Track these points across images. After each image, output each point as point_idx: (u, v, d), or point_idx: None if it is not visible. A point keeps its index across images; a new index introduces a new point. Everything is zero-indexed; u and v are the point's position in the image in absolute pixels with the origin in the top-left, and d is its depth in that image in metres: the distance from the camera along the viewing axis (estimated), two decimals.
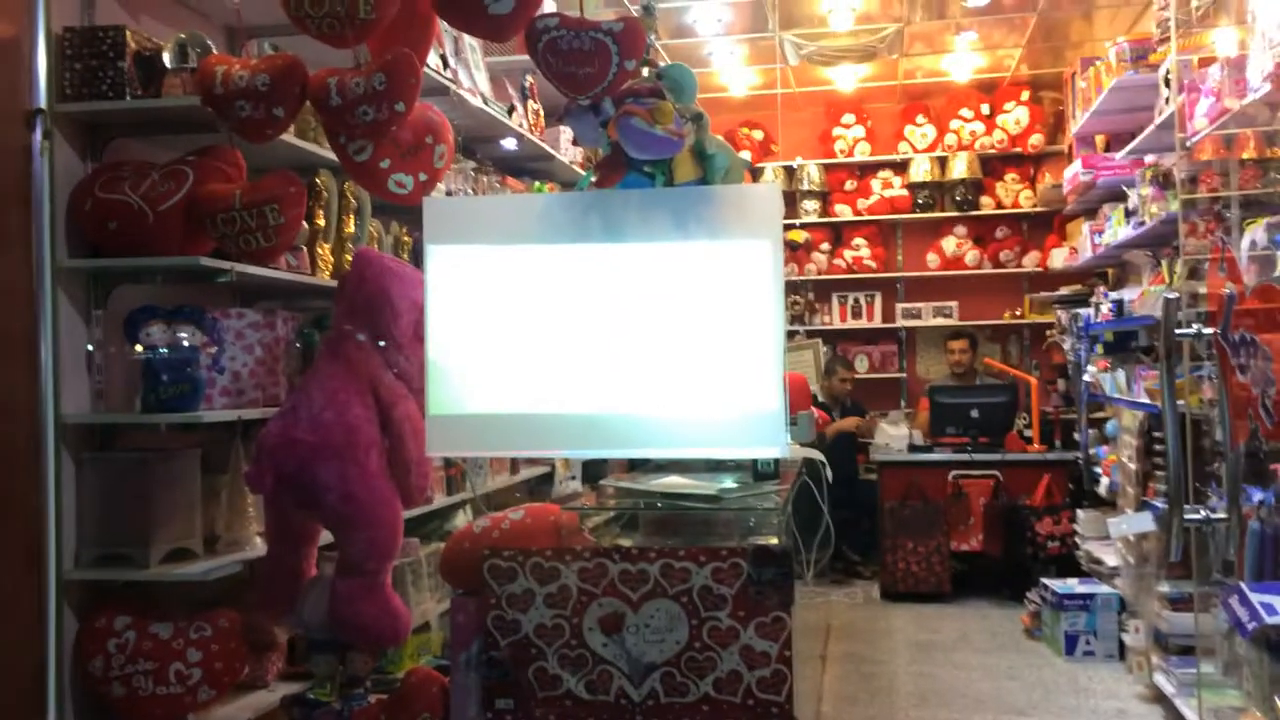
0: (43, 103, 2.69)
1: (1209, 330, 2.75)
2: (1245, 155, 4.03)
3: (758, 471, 3.03)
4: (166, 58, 2.85)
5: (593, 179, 2.77)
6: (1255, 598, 2.36)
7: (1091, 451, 6.06)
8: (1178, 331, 2.92)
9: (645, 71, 2.68)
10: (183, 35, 2.89)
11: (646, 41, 2.60)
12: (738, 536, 2.59)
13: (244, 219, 2.72)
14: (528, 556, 2.48)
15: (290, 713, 2.78)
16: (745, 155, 8.58)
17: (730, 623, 2.42)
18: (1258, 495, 2.72)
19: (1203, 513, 2.93)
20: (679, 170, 2.64)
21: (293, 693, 2.85)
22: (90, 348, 2.86)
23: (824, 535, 4.05)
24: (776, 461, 3.05)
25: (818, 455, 2.99)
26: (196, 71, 2.75)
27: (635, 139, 2.53)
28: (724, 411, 2.45)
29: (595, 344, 2.50)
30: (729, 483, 2.90)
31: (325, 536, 2.86)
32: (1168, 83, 4.68)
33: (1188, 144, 4.14)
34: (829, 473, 2.99)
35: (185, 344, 2.82)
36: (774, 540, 2.51)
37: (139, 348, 2.83)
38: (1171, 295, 2.95)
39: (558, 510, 2.71)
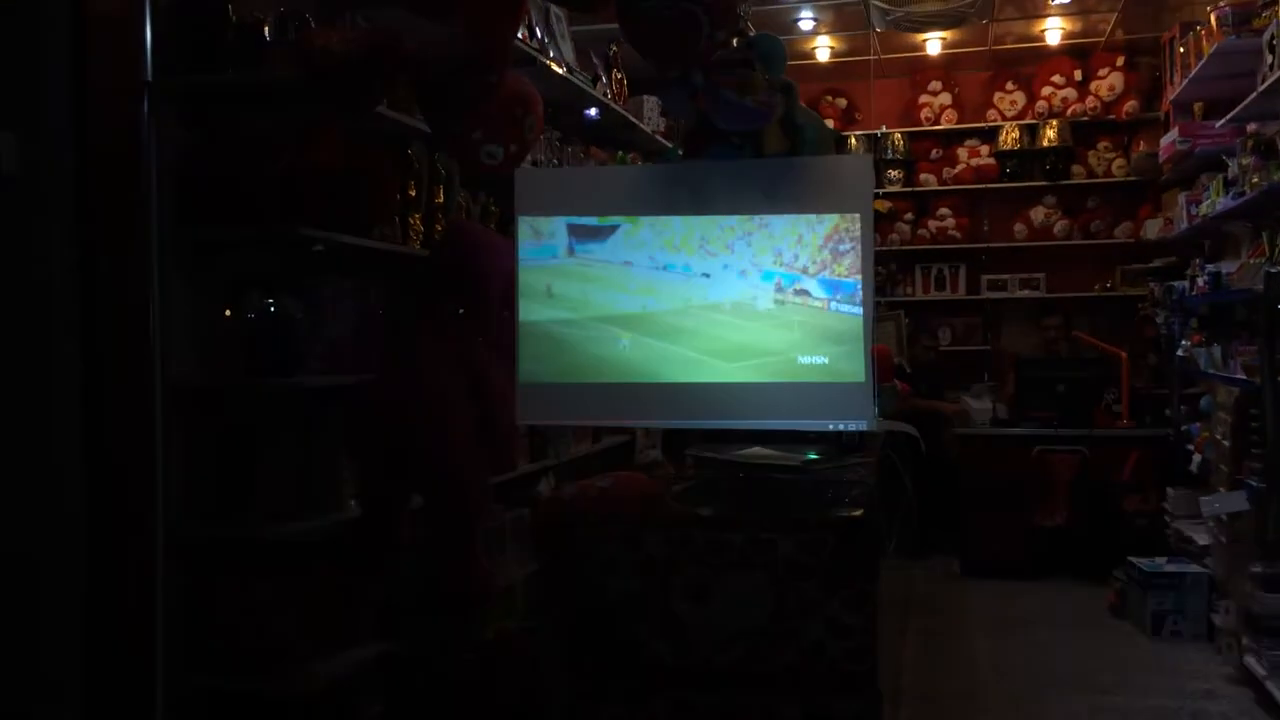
0: (150, 75, 2.77)
1: None
2: None
3: (842, 444, 3.04)
4: (267, 31, 2.92)
5: (680, 150, 2.78)
6: None
7: (1183, 428, 5.93)
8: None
9: (735, 42, 2.68)
10: (282, 9, 2.95)
11: (738, 12, 2.59)
12: (822, 508, 2.60)
13: (341, 191, 2.78)
14: (616, 525, 2.52)
15: (385, 669, 2.87)
16: (828, 124, 8.49)
17: (815, 594, 2.43)
18: None
19: None
20: (768, 141, 2.64)
21: (386, 650, 2.94)
22: (195, 314, 2.96)
23: (907, 509, 4.04)
24: (861, 434, 3.05)
25: (909, 429, 2.97)
26: (296, 44, 2.82)
27: (725, 111, 2.54)
28: (812, 383, 2.46)
29: (684, 314, 2.53)
30: (813, 455, 2.91)
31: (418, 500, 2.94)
32: (1272, 49, 4.51)
33: None
34: (923, 446, 2.97)
35: (285, 311, 2.90)
36: (859, 512, 2.51)
37: (242, 314, 2.92)
38: (1274, 269, 2.87)
39: (644, 479, 2.75)
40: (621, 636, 2.52)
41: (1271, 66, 4.51)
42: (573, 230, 2.62)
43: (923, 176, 8.41)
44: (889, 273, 8.42)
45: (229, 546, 2.98)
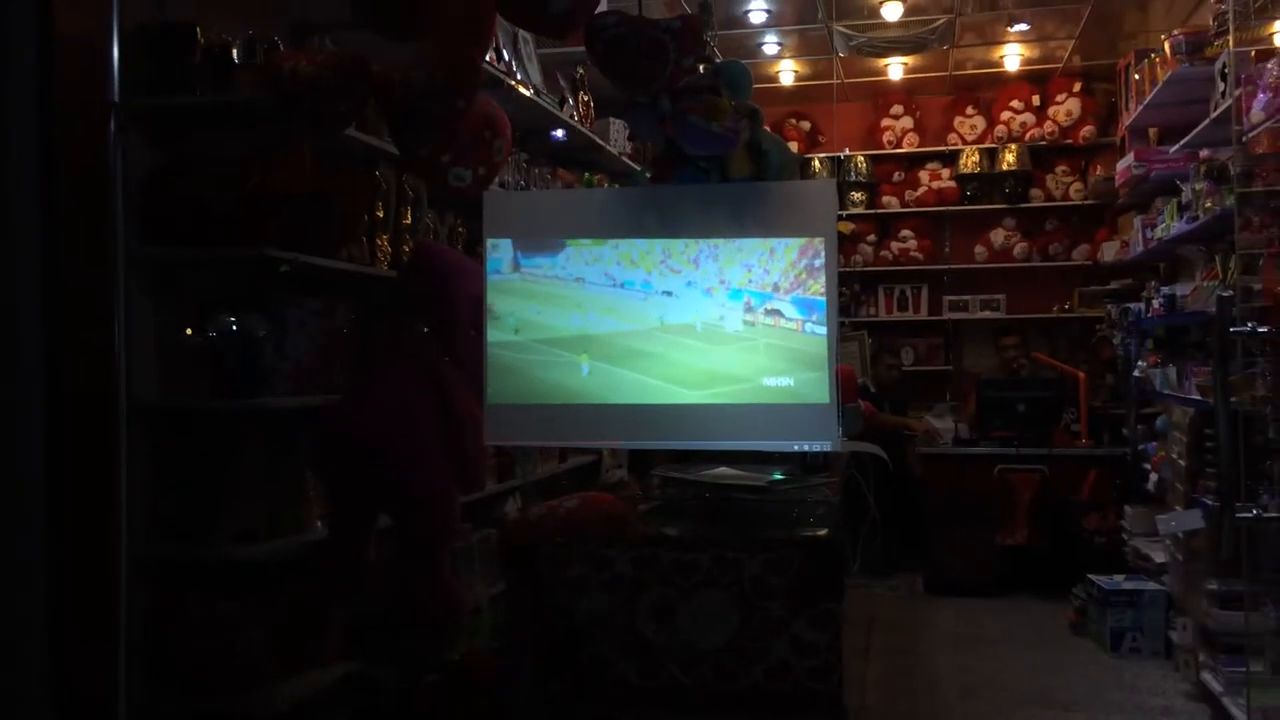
0: (117, 96, 2.77)
1: (1264, 328, 2.75)
2: None
3: (807, 464, 3.08)
4: (235, 53, 2.93)
5: (648, 174, 2.81)
6: None
7: (1140, 447, 6.02)
8: (1232, 329, 2.92)
9: (702, 68, 2.72)
10: (251, 32, 2.96)
11: (704, 38, 2.64)
12: (787, 528, 2.63)
13: (308, 211, 2.79)
14: (583, 545, 2.53)
15: (350, 690, 2.86)
16: (791, 147, 8.56)
17: (781, 613, 2.46)
18: None
19: (1255, 510, 2.93)
20: (733, 166, 2.68)
21: (352, 670, 2.93)
22: (159, 334, 2.95)
23: (871, 528, 4.09)
24: (826, 454, 3.09)
25: (874, 449, 3.02)
26: (264, 67, 2.83)
27: (692, 136, 2.58)
28: (776, 404, 2.49)
29: (644, 337, 2.55)
30: (779, 475, 2.95)
31: (385, 520, 2.93)
32: (1224, 76, 4.63)
33: (1244, 138, 4.10)
34: (889, 465, 3.01)
35: (250, 332, 2.90)
36: (824, 531, 2.55)
37: (206, 334, 2.92)
38: (1226, 292, 2.94)
39: (611, 499, 2.77)
40: (588, 656, 2.53)
41: (1223, 94, 4.63)
42: (519, 244, 2.63)
43: (885, 199, 8.52)
44: (852, 293, 8.50)
45: (195, 567, 2.96)
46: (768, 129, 2.81)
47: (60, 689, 2.70)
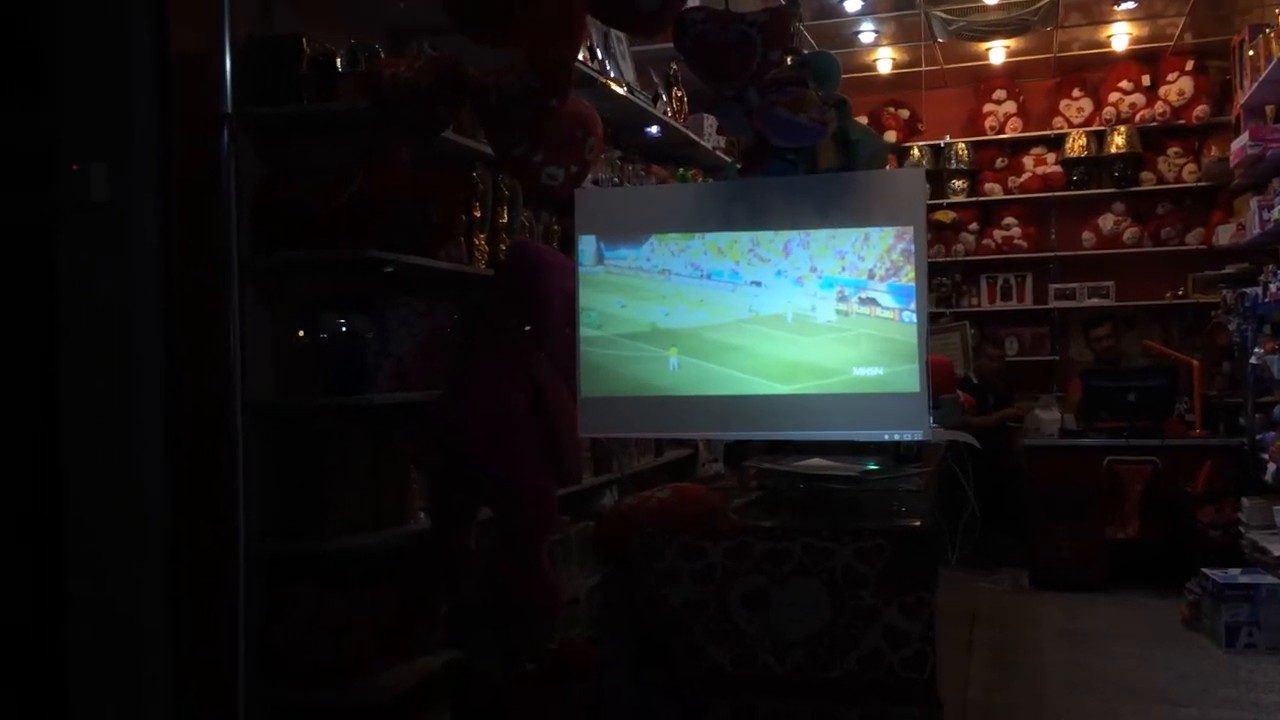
0: (229, 108, 2.91)
1: None
2: None
3: (900, 454, 3.06)
4: (339, 62, 3.05)
5: (738, 166, 2.84)
6: None
7: (1258, 437, 5.81)
8: None
9: (789, 60, 2.73)
10: (353, 41, 3.08)
11: (791, 31, 2.65)
12: (879, 518, 2.63)
13: (408, 214, 2.89)
14: (675, 535, 2.57)
15: (451, 679, 2.95)
16: (890, 136, 8.48)
17: (872, 601, 2.46)
18: None
19: None
20: (822, 157, 2.69)
21: (454, 660, 3.02)
22: (271, 337, 3.08)
23: (969, 519, 4.04)
24: (919, 444, 3.07)
25: (968, 438, 2.99)
26: (366, 74, 2.94)
27: (779, 128, 2.59)
28: (865, 395, 2.50)
29: (737, 330, 2.58)
30: (871, 465, 2.94)
31: (486, 512, 3.02)
32: None
33: None
34: (982, 456, 2.98)
35: (356, 332, 3.01)
36: (916, 521, 2.54)
37: (314, 335, 3.04)
38: None
39: (703, 490, 2.80)
40: (682, 645, 2.57)
41: None
42: (603, 237, 2.67)
43: (988, 186, 8.36)
44: (954, 283, 8.37)
45: (305, 560, 3.09)
46: (858, 119, 2.80)
47: (182, 683, 2.84)
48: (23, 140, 2.88)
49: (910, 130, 8.57)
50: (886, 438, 2.64)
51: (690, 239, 2.64)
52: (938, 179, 8.47)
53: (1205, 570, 5.53)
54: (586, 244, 2.70)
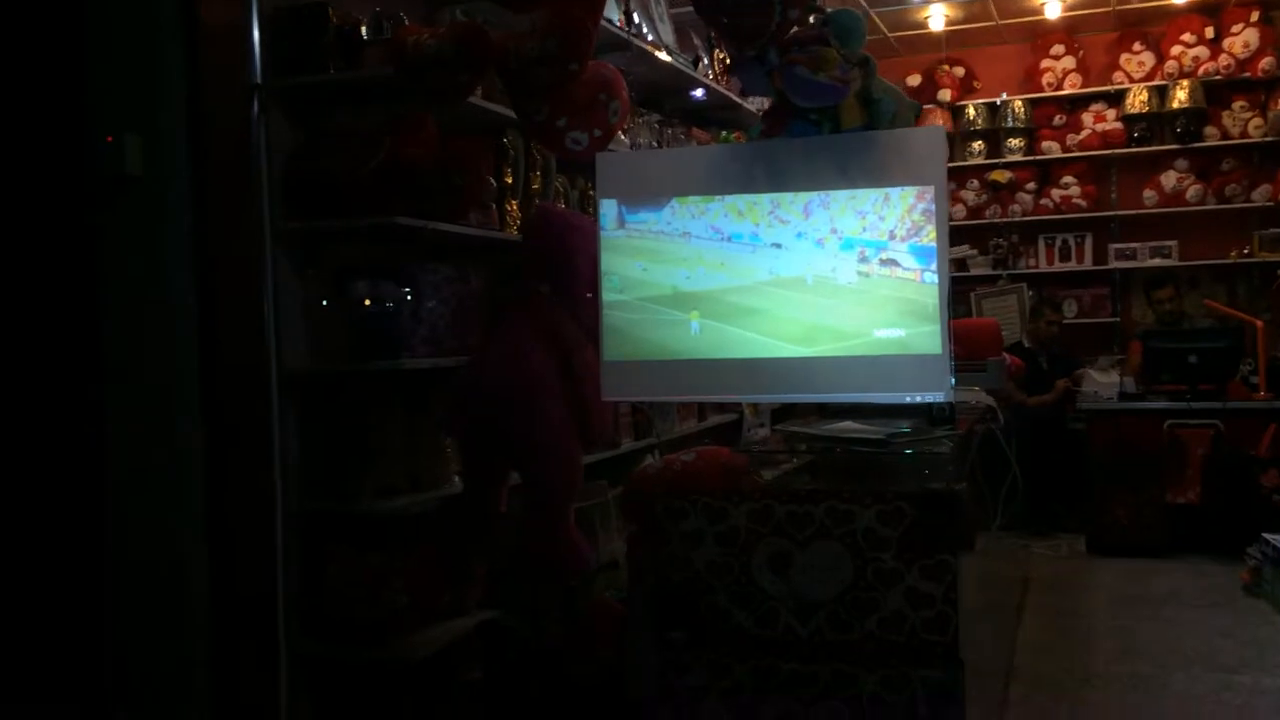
0: (259, 78, 2.95)
1: None
2: None
3: (932, 416, 3.03)
4: (364, 31, 3.07)
5: (762, 128, 2.81)
6: None
7: None
8: None
9: (812, 19, 2.69)
10: (378, 9, 3.10)
11: None
12: (902, 480, 2.62)
13: (435, 180, 2.91)
14: (698, 498, 2.58)
15: (484, 638, 3.01)
16: (945, 94, 8.31)
17: (894, 564, 2.45)
18: None
19: None
20: (845, 116, 2.65)
21: (486, 619, 3.07)
22: (305, 303, 3.14)
23: (1012, 483, 3.99)
24: (952, 406, 3.03)
25: (988, 400, 2.95)
26: (390, 41, 2.96)
27: (799, 87, 2.56)
28: (886, 357, 2.48)
29: (758, 292, 2.56)
30: (904, 428, 2.92)
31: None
32: None
33: None
34: (1000, 418, 2.94)
35: (388, 298, 3.05)
36: (938, 485, 2.52)
37: (348, 301, 3.09)
38: None
39: (728, 453, 2.81)
40: (706, 606, 2.59)
41: None
42: (624, 200, 2.67)
43: (1045, 144, 8.17)
44: (1010, 245, 8.22)
45: (343, 522, 3.16)
46: (911, 78, 2.75)
47: (224, 640, 2.94)
48: (57, 113, 2.96)
49: (966, 88, 8.40)
50: (908, 400, 2.62)
51: (710, 201, 2.63)
52: (994, 137, 8.31)
53: (1266, 535, 5.41)
54: (608, 208, 2.71)
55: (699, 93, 5.13)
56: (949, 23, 7.81)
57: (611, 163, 2.80)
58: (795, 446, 2.95)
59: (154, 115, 2.89)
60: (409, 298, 3.12)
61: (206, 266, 2.94)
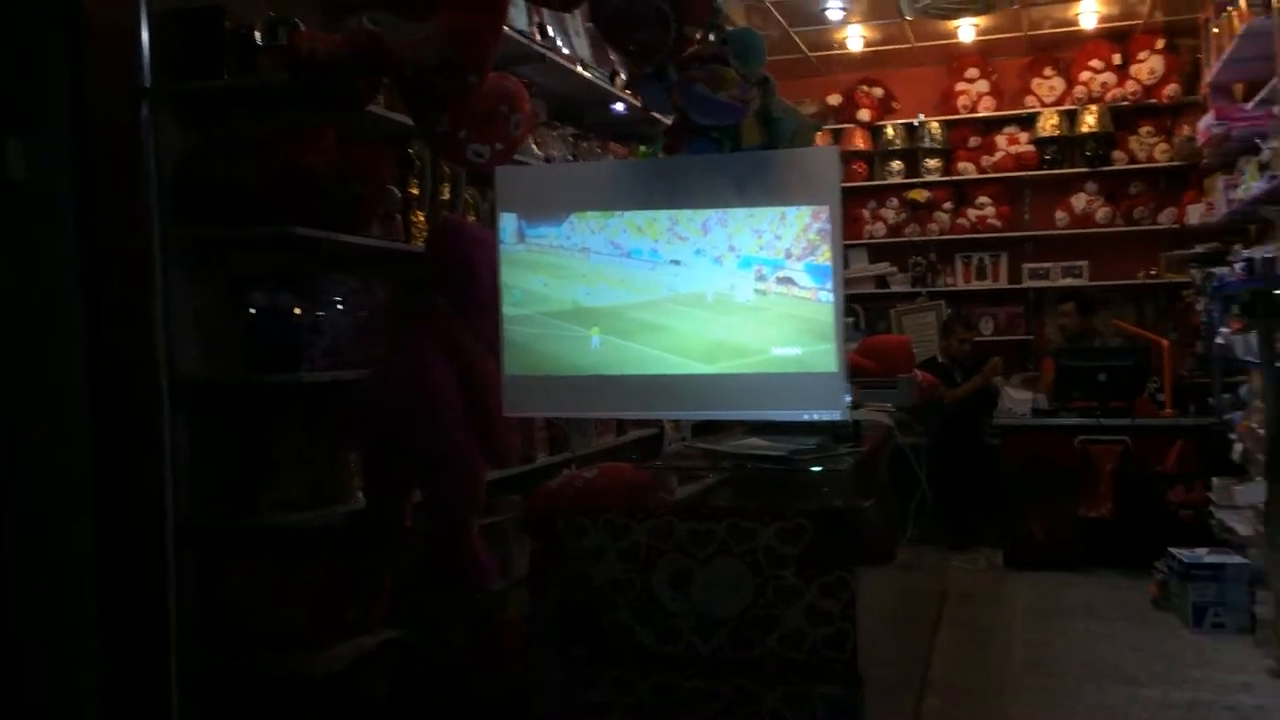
0: (148, 82, 2.86)
1: None
2: None
3: (837, 434, 3.04)
4: (259, 36, 3.00)
5: (661, 146, 2.80)
6: None
7: (1225, 417, 5.79)
8: None
9: (712, 37, 2.69)
10: (273, 14, 3.03)
11: (711, 6, 2.61)
12: (806, 499, 2.61)
13: (335, 189, 2.85)
14: (600, 514, 2.55)
15: (389, 654, 2.93)
16: (864, 114, 8.42)
17: (794, 581, 2.44)
18: None
19: None
20: (746, 135, 2.65)
21: (391, 636, 3.00)
22: (200, 312, 3.04)
23: (921, 497, 4.02)
24: (856, 424, 3.04)
25: (883, 419, 2.97)
26: (285, 48, 2.89)
27: (697, 105, 2.56)
28: (784, 375, 2.47)
29: (659, 308, 2.54)
30: (809, 444, 2.91)
31: None
32: None
33: None
34: (898, 437, 2.96)
35: (284, 308, 2.97)
36: (838, 501, 2.52)
37: (245, 311, 3.00)
38: None
39: (630, 470, 2.78)
40: (608, 623, 2.55)
41: None
42: (524, 214, 2.64)
43: (961, 165, 8.32)
44: (929, 263, 8.35)
45: (242, 537, 3.06)
46: (831, 98, 2.75)
47: (113, 657, 2.83)
48: None
49: (885, 109, 8.52)
50: (804, 418, 2.61)
51: (610, 217, 2.61)
52: (912, 157, 8.43)
53: (1172, 550, 5.51)
54: (507, 221, 2.67)
55: (620, 106, 5.12)
56: (867, 44, 7.91)
57: (511, 176, 2.76)
58: (698, 463, 2.93)
59: (37, 119, 2.78)
60: (308, 308, 3.04)
61: (95, 272, 2.84)
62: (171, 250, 2.93)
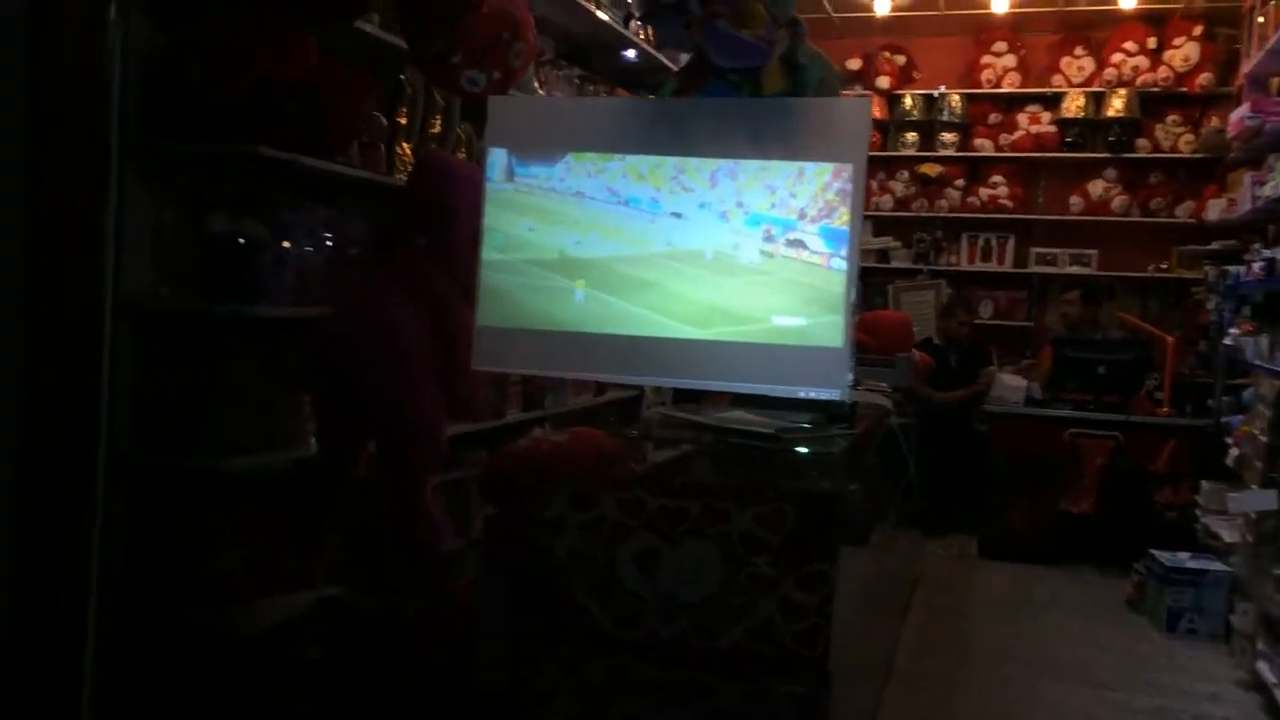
0: None
1: None
2: None
3: (830, 413, 2.85)
4: None
5: (675, 86, 2.58)
6: None
7: (1224, 420, 5.64)
8: None
9: None
10: None
11: None
12: (787, 480, 2.43)
13: (309, 108, 2.62)
14: (564, 483, 2.37)
15: (327, 616, 2.76)
16: (883, 82, 8.16)
17: (770, 570, 2.27)
18: None
19: None
20: (767, 81, 2.44)
21: (333, 594, 2.83)
22: (156, 233, 2.82)
23: (907, 484, 3.86)
24: (853, 404, 2.86)
25: (883, 403, 2.78)
26: None
27: (720, 44, 2.34)
28: (783, 346, 2.27)
29: (652, 264, 2.34)
30: (802, 423, 2.72)
31: None
32: None
33: None
34: (894, 421, 2.78)
35: (247, 236, 2.76)
36: (824, 486, 2.34)
37: (204, 236, 2.79)
38: None
39: (603, 436, 2.59)
40: (564, 599, 2.38)
41: None
42: (516, 151, 2.41)
43: (978, 141, 8.08)
44: (934, 240, 8.15)
45: (182, 477, 2.86)
46: (851, 61, 2.54)
47: (26, 592, 2.63)
48: None
49: (904, 78, 8.25)
50: (802, 394, 2.42)
51: (609, 160, 2.39)
52: (928, 130, 8.20)
53: (1153, 551, 5.40)
54: (496, 157, 2.45)
55: (631, 53, 4.89)
56: (895, 8, 7.62)
57: (504, 107, 2.54)
58: (679, 434, 2.75)
59: None
60: (276, 238, 2.83)
61: (41, 176, 2.60)
62: (130, 163, 2.70)
